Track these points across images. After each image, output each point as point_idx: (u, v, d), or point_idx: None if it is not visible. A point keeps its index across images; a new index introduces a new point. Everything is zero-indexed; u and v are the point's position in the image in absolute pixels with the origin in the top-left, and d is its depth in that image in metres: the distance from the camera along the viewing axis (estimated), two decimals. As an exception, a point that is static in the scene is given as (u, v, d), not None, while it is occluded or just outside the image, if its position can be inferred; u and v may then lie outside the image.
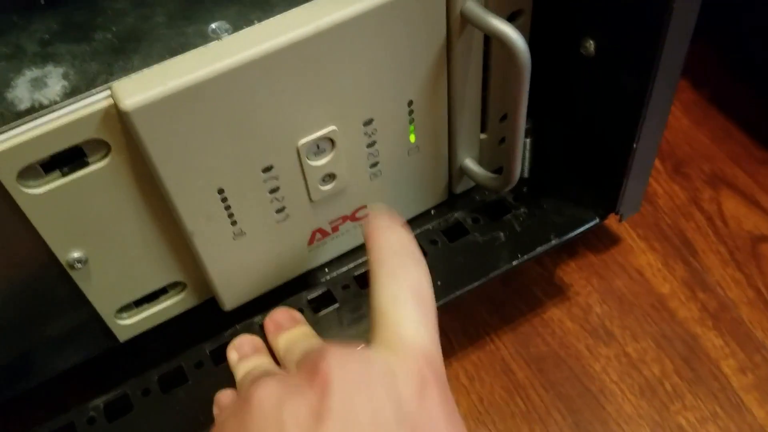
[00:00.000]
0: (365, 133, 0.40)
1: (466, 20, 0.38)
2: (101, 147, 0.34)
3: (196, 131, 0.34)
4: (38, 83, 0.32)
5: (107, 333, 0.42)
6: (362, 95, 0.38)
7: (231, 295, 0.44)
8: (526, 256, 0.46)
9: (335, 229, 0.45)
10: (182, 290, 0.43)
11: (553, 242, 0.47)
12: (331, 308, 0.45)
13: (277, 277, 0.45)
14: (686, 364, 0.50)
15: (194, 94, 0.33)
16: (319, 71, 0.36)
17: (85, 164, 0.34)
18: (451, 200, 0.50)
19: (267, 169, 0.38)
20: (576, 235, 0.47)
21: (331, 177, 0.41)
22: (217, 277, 0.42)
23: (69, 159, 0.33)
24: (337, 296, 0.45)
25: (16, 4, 0.36)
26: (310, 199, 0.41)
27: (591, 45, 0.42)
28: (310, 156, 0.39)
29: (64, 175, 0.34)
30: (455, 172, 0.48)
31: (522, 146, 0.42)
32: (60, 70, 0.33)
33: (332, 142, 0.39)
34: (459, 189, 0.49)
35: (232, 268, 0.42)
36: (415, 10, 0.36)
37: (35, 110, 0.31)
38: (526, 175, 0.51)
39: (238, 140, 0.36)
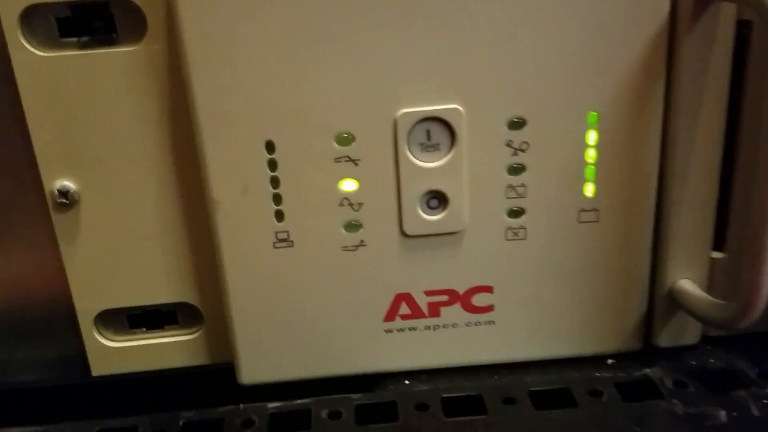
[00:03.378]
0: (508, 142, 0.26)
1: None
2: (137, 25, 0.25)
3: (257, 34, 0.24)
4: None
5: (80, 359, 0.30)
6: (512, 69, 0.25)
7: (254, 360, 0.29)
8: (768, 461, 0.23)
9: (433, 309, 0.28)
10: (196, 330, 0.30)
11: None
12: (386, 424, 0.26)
13: (324, 358, 0.29)
14: None
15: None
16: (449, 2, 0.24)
17: (112, 41, 0.25)
18: (645, 354, 0.30)
19: (343, 141, 0.26)
20: None
21: (440, 200, 0.27)
22: (237, 307, 0.28)
23: (95, 29, 0.25)
24: (401, 415, 0.27)
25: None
26: (402, 229, 0.27)
27: None
28: (412, 147, 0.26)
29: (81, 46, 0.25)
30: (660, 297, 0.29)
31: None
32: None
33: (452, 134, 0.26)
34: (664, 340, 0.30)
35: (263, 303, 0.28)
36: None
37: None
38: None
39: (310, 72, 0.24)
